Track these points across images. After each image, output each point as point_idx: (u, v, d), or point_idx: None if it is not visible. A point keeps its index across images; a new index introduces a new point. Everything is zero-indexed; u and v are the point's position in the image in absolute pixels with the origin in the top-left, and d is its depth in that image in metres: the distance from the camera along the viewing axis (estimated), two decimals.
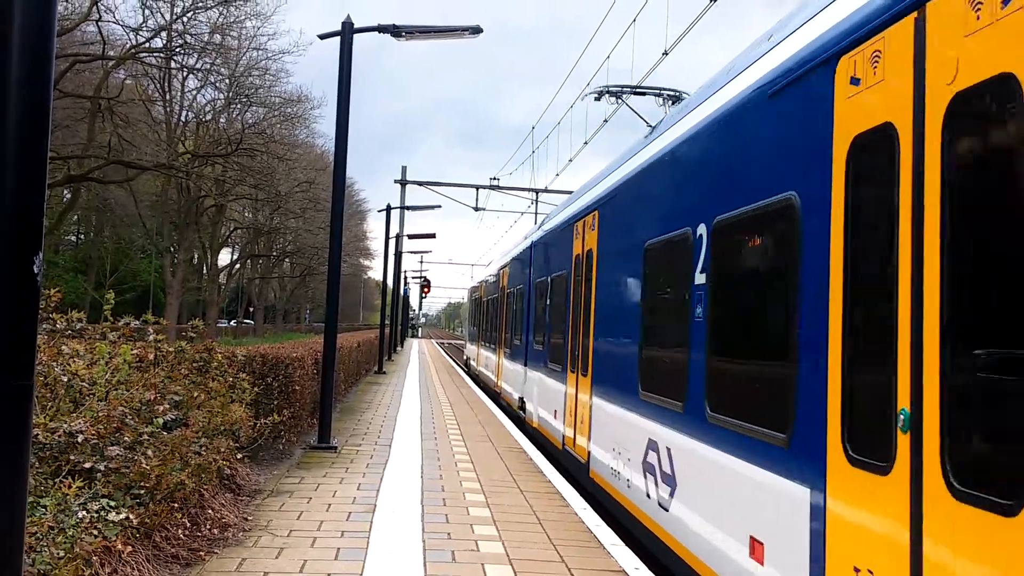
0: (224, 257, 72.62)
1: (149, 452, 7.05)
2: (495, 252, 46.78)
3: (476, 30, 14.17)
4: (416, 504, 9.65)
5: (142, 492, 6.74)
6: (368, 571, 7.02)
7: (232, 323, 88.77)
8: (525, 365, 18.95)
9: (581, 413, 12.30)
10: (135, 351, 9.04)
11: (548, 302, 16.39)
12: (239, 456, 9.88)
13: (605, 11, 21.98)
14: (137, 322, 9.83)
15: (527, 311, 19.27)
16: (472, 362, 38.65)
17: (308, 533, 8.17)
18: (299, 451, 13.05)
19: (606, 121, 26.83)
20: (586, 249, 12.66)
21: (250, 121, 48.68)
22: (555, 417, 14.76)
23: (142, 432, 7.27)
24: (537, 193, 44.10)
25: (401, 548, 7.76)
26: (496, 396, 25.60)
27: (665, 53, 19.82)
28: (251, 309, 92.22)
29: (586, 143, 30.53)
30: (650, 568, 7.70)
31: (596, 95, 14.91)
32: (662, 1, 18.50)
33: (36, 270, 3.31)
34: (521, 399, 19.50)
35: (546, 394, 16.00)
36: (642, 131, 11.42)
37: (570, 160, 34.25)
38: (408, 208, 43.14)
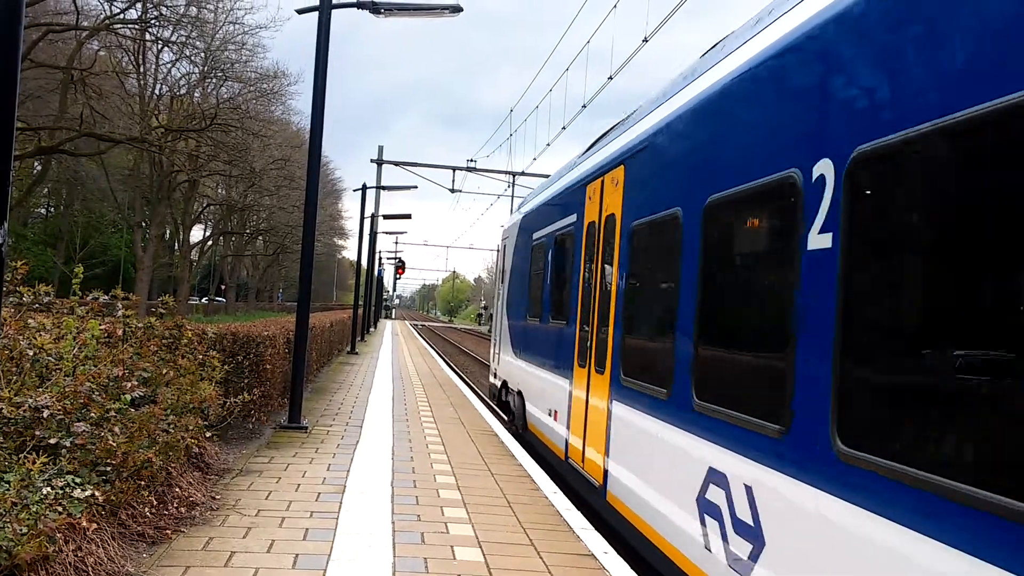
0: (196, 233, 72.10)
1: (116, 429, 6.97)
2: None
3: (456, 9, 14.09)
4: (386, 486, 9.63)
5: (108, 469, 6.67)
6: (336, 551, 7.00)
7: (204, 300, 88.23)
8: None
9: None
10: (103, 326, 8.93)
11: None
12: (208, 434, 9.79)
13: None
14: (106, 297, 9.71)
15: None
16: (533, 410, 14.11)
17: (277, 513, 8.13)
18: (269, 431, 12.98)
19: (584, 107, 26.86)
20: None
21: (225, 96, 48.39)
22: None
23: (109, 408, 7.18)
24: (514, 176, 44.00)
25: (370, 529, 7.74)
26: None
27: (645, 40, 19.82)
28: (223, 287, 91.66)
29: (564, 128, 30.54)
30: (619, 552, 7.73)
31: None
32: None
33: (1, 241, 3.26)
34: None
35: None
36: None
37: (548, 144, 34.26)
38: (384, 188, 42.85)
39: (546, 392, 12.79)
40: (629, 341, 8.66)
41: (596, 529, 8.52)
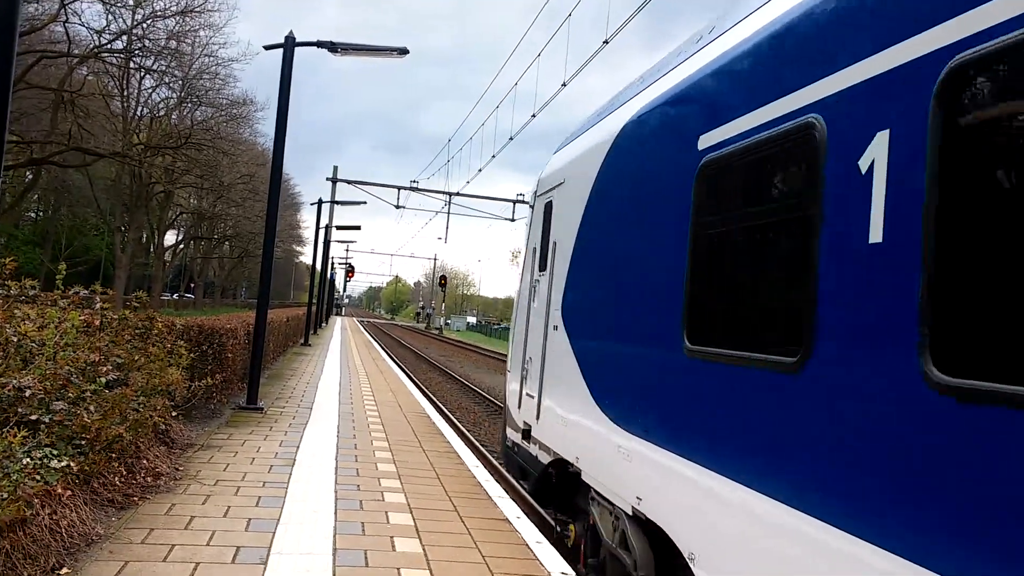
0: (170, 238, 70.55)
1: (91, 407, 6.79)
2: None
3: (403, 51, 14.02)
4: (331, 459, 9.54)
5: (83, 443, 6.50)
6: (285, 516, 6.91)
7: (175, 296, 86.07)
8: None
9: None
10: (83, 317, 8.67)
11: None
12: (174, 414, 9.61)
13: (515, 43, 22.14)
14: (86, 292, 9.45)
15: None
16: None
17: (233, 483, 7.99)
18: (229, 411, 12.74)
19: (511, 139, 27.07)
20: None
21: (199, 119, 47.45)
22: None
23: (86, 389, 7.00)
24: (450, 196, 43.98)
25: (316, 497, 7.66)
26: None
27: (564, 84, 20.05)
28: (192, 285, 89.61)
29: (494, 156, 30.70)
30: (530, 518, 7.79)
31: None
32: (562, 42, 18.69)
33: None
34: None
35: None
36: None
37: (479, 170, 34.36)
38: (337, 203, 42.46)
39: None
40: None
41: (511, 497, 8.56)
